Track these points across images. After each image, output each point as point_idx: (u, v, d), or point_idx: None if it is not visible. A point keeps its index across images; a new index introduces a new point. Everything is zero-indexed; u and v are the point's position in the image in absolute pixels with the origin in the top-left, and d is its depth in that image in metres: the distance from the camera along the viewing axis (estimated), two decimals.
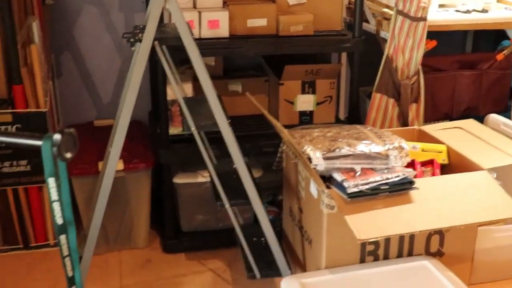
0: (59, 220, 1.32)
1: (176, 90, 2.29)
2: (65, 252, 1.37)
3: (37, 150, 1.24)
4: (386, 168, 1.98)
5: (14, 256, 2.81)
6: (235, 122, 2.33)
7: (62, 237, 1.35)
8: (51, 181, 1.26)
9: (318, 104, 2.82)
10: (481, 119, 2.67)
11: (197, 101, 2.32)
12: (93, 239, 2.15)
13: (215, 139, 2.49)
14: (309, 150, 2.02)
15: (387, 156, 1.99)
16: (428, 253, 2.16)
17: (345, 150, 1.99)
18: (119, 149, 2.10)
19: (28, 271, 2.70)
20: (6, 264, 2.75)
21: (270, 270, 2.34)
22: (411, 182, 1.96)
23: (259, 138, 2.73)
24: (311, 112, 2.84)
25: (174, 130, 2.71)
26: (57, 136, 1.22)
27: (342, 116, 3.06)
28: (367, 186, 1.91)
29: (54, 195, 1.28)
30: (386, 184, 1.93)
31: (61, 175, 1.28)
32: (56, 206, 1.30)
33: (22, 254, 2.82)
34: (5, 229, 2.81)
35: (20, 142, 1.27)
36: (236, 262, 2.75)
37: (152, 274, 2.70)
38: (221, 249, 2.84)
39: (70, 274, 1.40)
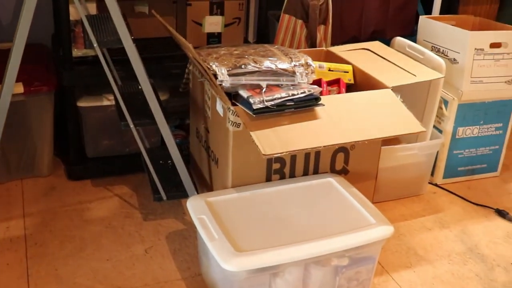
0: None
1: (79, 8, 2.19)
2: None
3: None
4: (292, 85, 1.98)
5: None
6: (141, 44, 2.26)
7: None
8: None
9: (226, 26, 2.78)
10: (388, 43, 2.70)
11: (101, 19, 2.24)
12: None
13: (121, 61, 2.42)
14: (214, 66, 1.98)
15: (293, 73, 1.98)
16: (333, 171, 2.19)
17: (251, 67, 1.97)
18: (16, 69, 2.00)
19: None
20: None
21: (177, 191, 2.33)
22: (317, 99, 1.97)
23: (165, 59, 2.66)
24: (219, 34, 2.79)
25: (78, 52, 2.60)
26: None
27: (251, 39, 3.02)
28: (272, 102, 1.90)
29: None
30: (291, 100, 1.93)
31: None
32: None
33: None
34: None
35: None
36: (143, 188, 2.71)
37: (56, 202, 2.62)
38: (128, 174, 2.78)
39: None
